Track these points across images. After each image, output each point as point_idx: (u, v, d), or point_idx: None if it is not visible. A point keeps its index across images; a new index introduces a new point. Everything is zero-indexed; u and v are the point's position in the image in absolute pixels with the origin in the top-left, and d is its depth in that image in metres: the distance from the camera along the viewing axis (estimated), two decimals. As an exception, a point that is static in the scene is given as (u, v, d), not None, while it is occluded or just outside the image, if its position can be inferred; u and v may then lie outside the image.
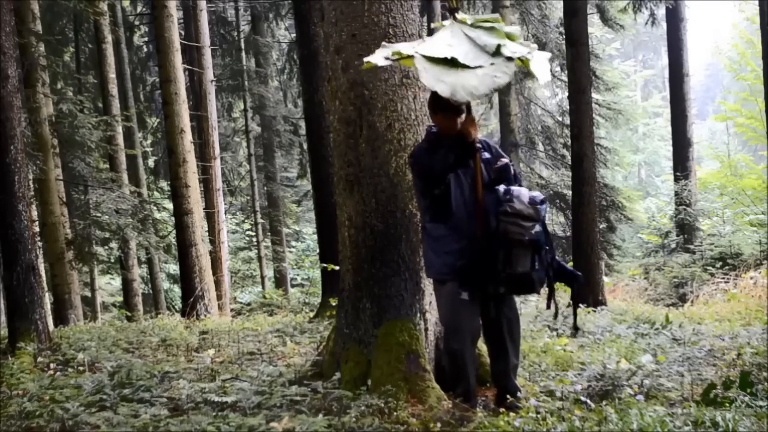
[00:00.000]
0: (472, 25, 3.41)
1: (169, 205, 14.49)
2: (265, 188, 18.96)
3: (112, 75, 12.94)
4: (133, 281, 13.69)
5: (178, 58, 10.45)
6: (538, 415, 3.34)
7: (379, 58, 3.37)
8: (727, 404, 3.47)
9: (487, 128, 22.06)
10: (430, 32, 3.57)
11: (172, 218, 12.11)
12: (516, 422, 3.25)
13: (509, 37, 3.37)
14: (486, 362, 4.06)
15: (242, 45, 17.50)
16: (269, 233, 19.41)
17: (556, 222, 16.19)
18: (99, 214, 11.69)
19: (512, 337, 3.86)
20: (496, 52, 3.23)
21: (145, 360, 5.63)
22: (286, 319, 8.73)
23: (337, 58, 4.17)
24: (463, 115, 3.70)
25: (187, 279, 10.32)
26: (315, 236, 15.66)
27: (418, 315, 4.04)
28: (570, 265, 8.69)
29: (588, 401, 3.65)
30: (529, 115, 16.20)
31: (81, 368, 5.15)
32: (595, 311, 7.83)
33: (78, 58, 15.63)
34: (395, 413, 3.49)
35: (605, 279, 10.35)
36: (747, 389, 3.67)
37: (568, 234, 13.92)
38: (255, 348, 6.01)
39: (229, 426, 3.27)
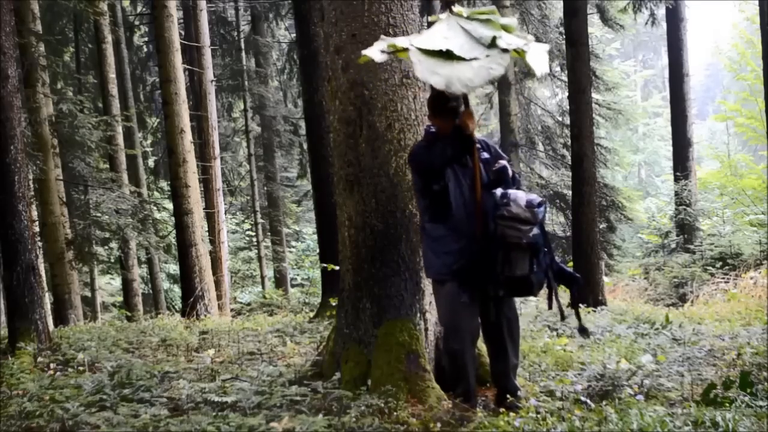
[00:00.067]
0: (468, 18, 3.41)
1: (169, 205, 14.49)
2: (265, 188, 18.95)
3: (112, 75, 12.94)
4: (133, 281, 13.69)
5: (178, 58, 10.45)
6: (538, 415, 3.34)
7: (375, 51, 3.38)
8: (727, 404, 3.47)
9: (487, 128, 22.06)
10: (429, 27, 3.55)
11: (172, 218, 12.11)
12: (516, 422, 3.25)
13: (505, 29, 3.36)
14: (486, 362, 4.06)
15: (242, 45, 17.49)
16: (269, 233, 19.40)
17: (556, 222, 16.18)
18: (99, 214, 11.69)
19: (512, 337, 3.86)
20: (492, 44, 3.23)
21: (145, 360, 5.63)
22: (286, 319, 8.73)
23: (337, 58, 4.17)
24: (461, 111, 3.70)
25: (187, 279, 10.32)
26: (315, 236, 15.65)
27: (418, 315, 4.04)
28: (569, 265, 8.75)
29: (588, 401, 3.65)
30: (529, 115, 16.19)
31: (81, 368, 5.15)
32: (595, 311, 7.83)
33: (78, 58, 15.63)
34: (395, 413, 3.50)
35: (605, 279, 10.35)
36: (747, 389, 3.67)
37: (568, 234, 13.91)
38: (255, 348, 6.02)
39: (229, 426, 3.27)
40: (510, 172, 3.81)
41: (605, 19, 14.72)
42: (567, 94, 10.92)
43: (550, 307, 3.84)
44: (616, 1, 14.77)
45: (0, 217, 6.08)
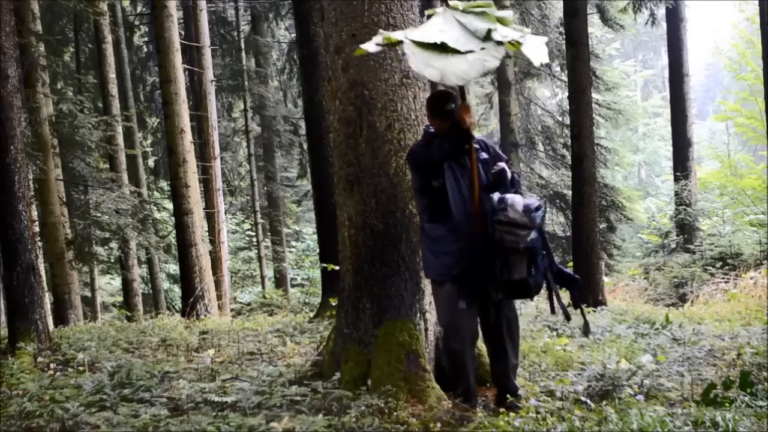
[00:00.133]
0: (463, 11, 3.41)
1: (169, 205, 14.49)
2: (265, 188, 18.95)
3: (112, 75, 12.94)
4: (133, 281, 13.69)
5: (178, 58, 10.45)
6: (538, 415, 3.34)
7: (371, 45, 3.38)
8: (727, 404, 3.47)
9: (487, 128, 22.05)
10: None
11: (172, 218, 12.11)
12: (516, 422, 3.25)
13: (501, 21, 3.36)
14: (486, 362, 4.06)
15: (242, 45, 17.49)
16: (269, 233, 19.40)
17: (556, 222, 16.19)
18: (99, 214, 11.69)
19: (511, 338, 3.86)
20: (487, 37, 3.23)
21: (145, 360, 5.63)
22: (286, 319, 8.73)
23: (337, 58, 4.17)
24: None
25: (187, 279, 10.32)
26: (315, 236, 15.65)
27: (418, 315, 4.04)
28: (569, 266, 8.75)
29: (588, 401, 3.65)
30: (529, 115, 16.20)
31: (81, 368, 5.15)
32: (595, 311, 7.84)
33: (78, 58, 15.62)
34: (395, 413, 3.50)
35: (605, 279, 10.35)
36: (747, 389, 3.67)
37: (568, 234, 13.92)
38: (255, 348, 6.01)
39: (229, 426, 3.27)
40: (509, 175, 3.79)
41: (605, 19, 14.73)
42: (567, 94, 10.92)
43: (552, 311, 3.83)
44: (616, 1, 14.77)
45: (0, 217, 6.08)
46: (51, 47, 12.42)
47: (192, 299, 10.11)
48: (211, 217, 13.10)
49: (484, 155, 3.85)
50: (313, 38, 8.40)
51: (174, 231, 11.64)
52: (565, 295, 4.15)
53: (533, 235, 3.60)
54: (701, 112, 40.86)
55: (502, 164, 3.83)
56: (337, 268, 4.51)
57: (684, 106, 15.53)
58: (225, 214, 14.90)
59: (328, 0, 4.23)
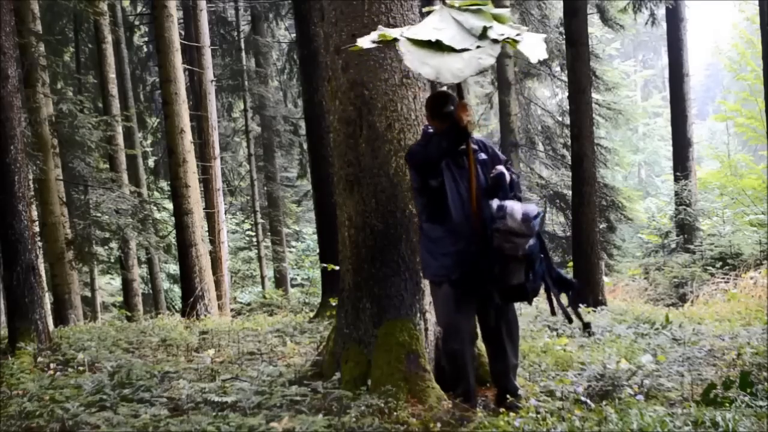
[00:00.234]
0: (460, 9, 3.41)
1: (169, 205, 14.49)
2: (265, 188, 18.95)
3: (112, 75, 12.94)
4: (133, 281, 13.69)
5: (178, 58, 10.45)
6: (538, 415, 3.34)
7: (366, 41, 3.38)
8: (727, 404, 3.47)
9: (487, 128, 22.05)
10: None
11: (172, 218, 12.11)
12: (516, 422, 3.25)
13: (498, 19, 3.35)
14: (486, 362, 4.06)
15: (242, 45, 17.49)
16: (269, 233, 19.40)
17: (556, 222, 16.19)
18: (99, 214, 11.68)
19: (511, 338, 3.86)
20: (483, 35, 3.23)
21: (145, 360, 5.63)
22: (286, 319, 8.73)
23: (337, 58, 4.17)
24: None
25: (187, 279, 10.32)
26: (315, 236, 15.65)
27: (418, 315, 4.04)
28: (569, 266, 8.74)
29: (588, 401, 3.65)
30: (529, 115, 16.20)
31: (81, 368, 5.15)
32: (595, 311, 7.83)
33: (78, 58, 15.62)
34: (395, 413, 3.50)
35: (605, 279, 10.35)
36: (747, 389, 3.67)
37: (568, 234, 13.92)
38: (255, 348, 6.01)
39: (229, 426, 3.27)
40: (508, 178, 3.76)
41: (605, 19, 14.73)
42: (567, 94, 10.92)
43: (553, 313, 3.83)
44: (616, 1, 14.77)
45: (0, 217, 6.08)
46: (51, 47, 12.42)
47: (192, 299, 10.11)
48: (211, 217, 13.10)
49: (483, 156, 3.84)
50: (313, 38, 8.40)
51: (174, 231, 11.64)
52: (563, 297, 4.14)
53: (532, 242, 3.61)
54: (701, 112, 40.86)
55: (501, 168, 3.80)
56: (337, 268, 4.51)
57: (684, 106, 15.53)
58: (225, 214, 14.90)
59: (328, 0, 4.23)
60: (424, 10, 3.56)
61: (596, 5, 14.55)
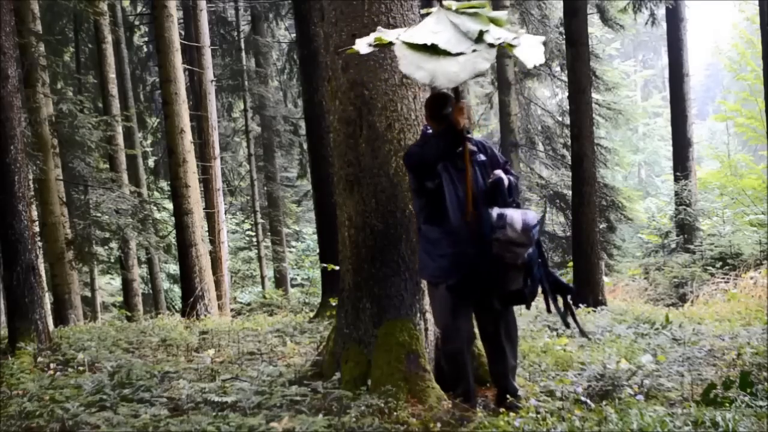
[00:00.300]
0: (457, 12, 3.40)
1: (169, 205, 14.49)
2: (265, 188, 18.95)
3: (112, 75, 12.94)
4: (133, 281, 13.69)
5: (178, 58, 10.45)
6: (538, 415, 3.34)
7: (363, 45, 3.37)
8: (727, 404, 3.47)
9: (487, 128, 22.05)
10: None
11: (172, 218, 12.11)
12: (516, 422, 3.25)
13: (495, 22, 3.33)
14: (485, 362, 4.05)
15: (242, 45, 17.49)
16: (269, 233, 19.40)
17: (556, 222, 16.18)
18: (99, 214, 11.69)
19: (509, 339, 3.86)
20: (479, 39, 3.21)
21: (145, 360, 5.63)
22: (286, 319, 8.73)
23: (337, 58, 4.17)
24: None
25: (187, 279, 10.32)
26: (315, 236, 15.65)
27: (418, 315, 4.04)
28: (569, 265, 8.73)
29: (588, 401, 3.65)
30: (529, 115, 16.20)
31: (81, 368, 5.15)
32: (595, 311, 7.83)
33: (78, 58, 15.62)
34: (395, 413, 3.50)
35: (605, 279, 10.35)
36: (747, 389, 3.67)
37: (568, 234, 13.92)
38: (255, 348, 6.01)
39: (229, 426, 3.27)
40: (506, 183, 3.73)
41: (605, 19, 14.73)
42: (567, 94, 10.92)
43: (548, 311, 3.84)
44: (616, 1, 14.77)
45: (0, 217, 6.08)
46: (51, 47, 12.42)
47: (192, 299, 10.11)
48: (211, 217, 13.10)
49: (482, 157, 3.82)
50: (313, 38, 8.40)
51: (174, 231, 11.64)
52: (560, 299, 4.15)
53: (531, 250, 3.63)
54: (701, 112, 40.86)
55: (499, 172, 3.76)
56: (337, 268, 4.51)
57: (684, 106, 15.53)
58: (225, 214, 14.90)
59: (328, 0, 4.23)
60: (422, 11, 3.56)
61: (596, 5, 14.54)
